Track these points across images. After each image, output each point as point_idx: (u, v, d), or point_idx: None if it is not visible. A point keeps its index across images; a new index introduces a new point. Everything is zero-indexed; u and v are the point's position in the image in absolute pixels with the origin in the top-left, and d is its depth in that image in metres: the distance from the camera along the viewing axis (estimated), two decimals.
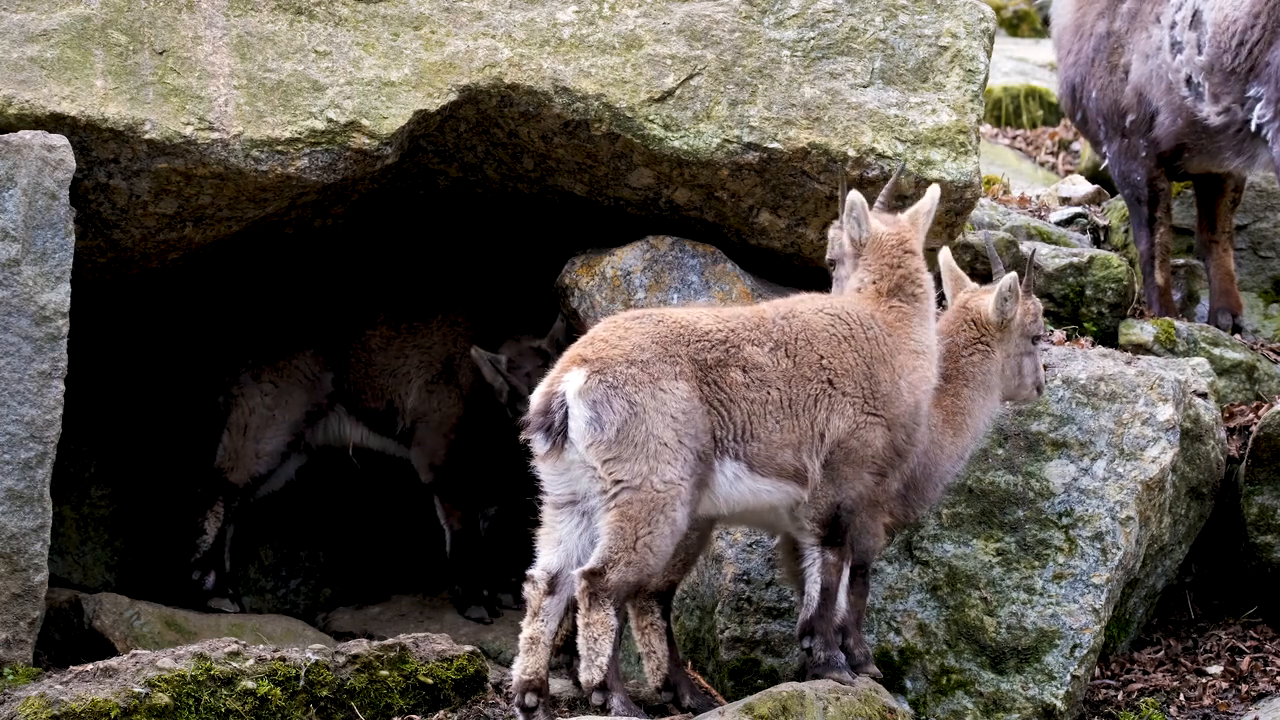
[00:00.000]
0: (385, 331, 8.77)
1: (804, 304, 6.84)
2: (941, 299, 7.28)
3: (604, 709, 6.42)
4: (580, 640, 6.40)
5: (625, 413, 6.37)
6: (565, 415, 6.38)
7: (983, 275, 7.54)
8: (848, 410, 6.71)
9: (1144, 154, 9.52)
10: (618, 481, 6.38)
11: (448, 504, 8.75)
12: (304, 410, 8.76)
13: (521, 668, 6.50)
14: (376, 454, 8.92)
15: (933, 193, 7.07)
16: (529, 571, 6.53)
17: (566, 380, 6.42)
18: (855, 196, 6.89)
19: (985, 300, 7.13)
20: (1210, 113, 9.15)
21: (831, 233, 7.02)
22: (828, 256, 7.04)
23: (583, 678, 6.42)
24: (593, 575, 6.36)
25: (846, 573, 6.86)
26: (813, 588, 6.80)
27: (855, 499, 6.78)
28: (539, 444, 6.43)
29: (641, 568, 6.40)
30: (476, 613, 8.56)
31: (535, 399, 6.50)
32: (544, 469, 6.50)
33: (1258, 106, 8.94)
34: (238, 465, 8.71)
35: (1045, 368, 7.46)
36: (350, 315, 8.77)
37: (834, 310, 6.80)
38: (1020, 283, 7.12)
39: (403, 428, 8.80)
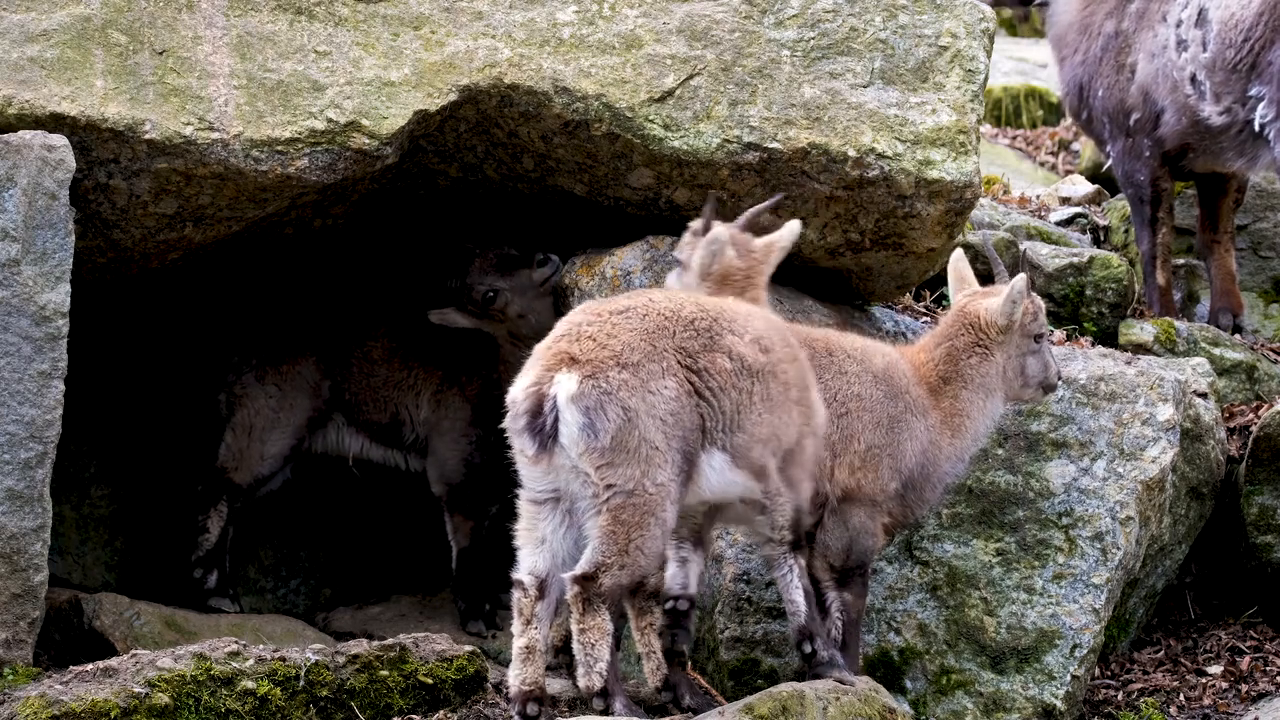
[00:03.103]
0: (387, 343, 8.74)
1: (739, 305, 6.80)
2: (944, 299, 7.28)
3: (606, 712, 6.33)
4: (576, 646, 6.28)
5: (620, 419, 6.25)
6: (556, 420, 6.24)
7: (982, 276, 7.54)
8: (795, 416, 6.66)
9: (1148, 154, 9.51)
10: (610, 486, 6.24)
11: (459, 515, 8.70)
12: (306, 415, 8.75)
13: (520, 678, 6.37)
14: (377, 463, 8.90)
15: (793, 226, 7.07)
16: (516, 576, 6.38)
17: (558, 383, 6.26)
18: (720, 231, 6.91)
19: (984, 303, 7.11)
20: (1212, 112, 9.14)
21: (687, 236, 7.04)
22: (680, 254, 7.04)
23: (581, 684, 6.30)
24: (585, 580, 6.23)
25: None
26: (795, 594, 6.73)
27: (804, 501, 6.72)
28: (527, 446, 6.28)
29: (634, 570, 6.29)
30: (475, 627, 8.53)
31: (522, 400, 6.33)
32: (528, 468, 6.37)
33: (1260, 106, 8.93)
34: (242, 465, 8.70)
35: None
36: (351, 325, 8.74)
37: (770, 318, 6.79)
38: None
39: (413, 439, 8.77)
